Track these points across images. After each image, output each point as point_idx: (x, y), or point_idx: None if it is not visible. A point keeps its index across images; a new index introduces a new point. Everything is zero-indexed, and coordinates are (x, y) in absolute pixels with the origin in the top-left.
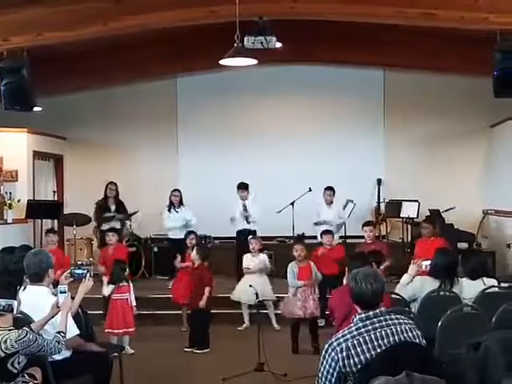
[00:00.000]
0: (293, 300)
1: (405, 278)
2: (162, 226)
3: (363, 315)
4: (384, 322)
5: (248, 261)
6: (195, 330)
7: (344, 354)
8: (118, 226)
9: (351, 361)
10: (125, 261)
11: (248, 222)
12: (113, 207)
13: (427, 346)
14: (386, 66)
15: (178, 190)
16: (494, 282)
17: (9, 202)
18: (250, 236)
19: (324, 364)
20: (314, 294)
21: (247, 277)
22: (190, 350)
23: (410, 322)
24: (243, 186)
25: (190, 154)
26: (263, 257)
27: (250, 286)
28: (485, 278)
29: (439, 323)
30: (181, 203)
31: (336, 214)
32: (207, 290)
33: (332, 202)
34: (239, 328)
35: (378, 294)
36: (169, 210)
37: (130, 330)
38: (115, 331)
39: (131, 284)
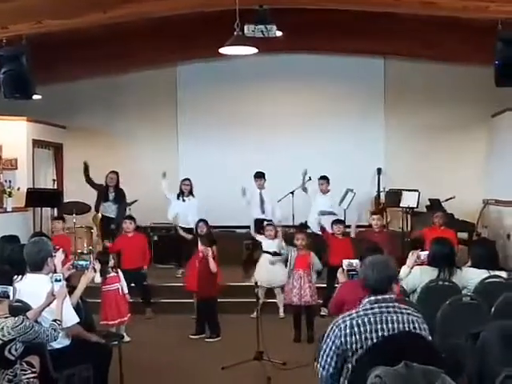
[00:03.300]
0: (290, 287)
1: (404, 269)
2: (160, 214)
3: (372, 298)
4: (391, 308)
5: (265, 244)
6: (203, 318)
7: (348, 331)
8: (115, 215)
9: (353, 338)
10: (108, 252)
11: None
12: (111, 196)
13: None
14: (386, 55)
15: (189, 179)
16: (502, 274)
17: (8, 190)
18: (266, 222)
19: (327, 341)
20: (311, 282)
21: (264, 258)
22: (196, 337)
23: (419, 315)
24: (259, 175)
25: (189, 143)
26: (278, 242)
27: (253, 277)
28: (493, 271)
29: (438, 313)
30: (190, 193)
31: (330, 202)
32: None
33: (328, 191)
34: (252, 315)
35: (390, 281)
36: (178, 197)
37: (125, 318)
38: (110, 323)
39: (120, 273)
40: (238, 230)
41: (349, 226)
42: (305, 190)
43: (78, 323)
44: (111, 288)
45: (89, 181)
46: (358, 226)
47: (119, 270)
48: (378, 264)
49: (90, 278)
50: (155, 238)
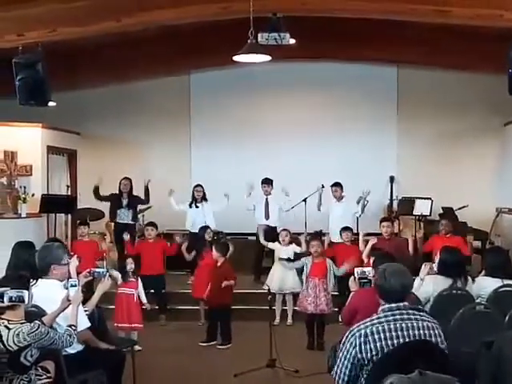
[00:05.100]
0: (305, 295)
1: (417, 282)
2: (174, 221)
3: (386, 306)
4: (406, 316)
5: (279, 251)
6: (215, 326)
7: (362, 339)
8: (129, 220)
9: (368, 346)
10: (126, 256)
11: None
12: (125, 202)
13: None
14: (399, 63)
15: (201, 185)
16: None
17: (23, 196)
18: (281, 228)
19: (343, 350)
20: (326, 291)
21: (277, 265)
22: (205, 344)
23: (434, 321)
24: (267, 181)
25: (203, 150)
26: (292, 247)
27: (265, 284)
28: (505, 280)
29: (452, 322)
30: (203, 198)
31: (346, 208)
32: (231, 282)
33: (342, 198)
34: (274, 322)
35: (405, 289)
36: (190, 206)
37: (136, 325)
38: (120, 325)
39: (140, 281)
40: (249, 237)
41: (357, 234)
42: (319, 208)
43: (88, 328)
44: (126, 292)
45: (99, 198)
46: (368, 234)
47: (139, 278)
48: (392, 272)
49: (106, 286)
50: (168, 244)
